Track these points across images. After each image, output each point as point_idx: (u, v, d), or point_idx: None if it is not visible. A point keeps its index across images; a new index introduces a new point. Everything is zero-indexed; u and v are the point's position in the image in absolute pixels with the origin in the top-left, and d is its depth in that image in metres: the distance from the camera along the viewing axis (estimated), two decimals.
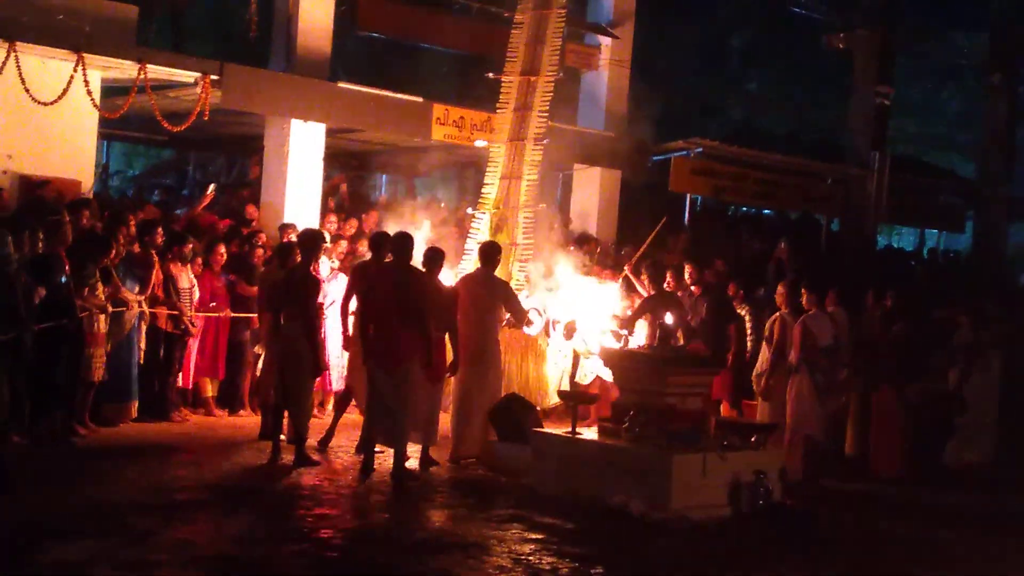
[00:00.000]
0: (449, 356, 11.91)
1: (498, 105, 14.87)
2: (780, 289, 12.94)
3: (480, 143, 16.97)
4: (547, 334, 14.05)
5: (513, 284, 13.48)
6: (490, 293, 12.23)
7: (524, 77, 14.58)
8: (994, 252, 27.21)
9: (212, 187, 16.01)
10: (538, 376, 13.90)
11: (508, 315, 12.58)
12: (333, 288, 13.86)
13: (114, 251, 12.02)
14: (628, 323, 12.71)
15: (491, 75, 15.17)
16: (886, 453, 13.16)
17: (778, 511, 10.46)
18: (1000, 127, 27.26)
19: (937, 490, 12.63)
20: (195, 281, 13.27)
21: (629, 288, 14.70)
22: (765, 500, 10.37)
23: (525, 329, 13.22)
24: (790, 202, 23.78)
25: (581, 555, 8.61)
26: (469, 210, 15.39)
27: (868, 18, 23.79)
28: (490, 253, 12.50)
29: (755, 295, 15.63)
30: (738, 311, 14.65)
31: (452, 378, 12.25)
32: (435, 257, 11.85)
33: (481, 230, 14.40)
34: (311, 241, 11.78)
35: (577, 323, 14.13)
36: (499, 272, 12.90)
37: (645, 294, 13.43)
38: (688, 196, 21.48)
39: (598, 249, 18.38)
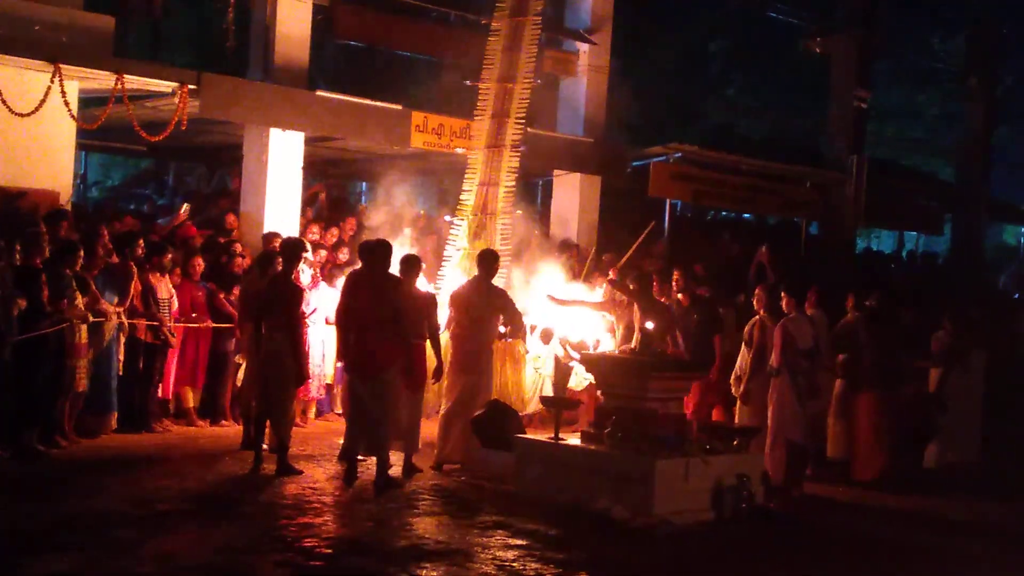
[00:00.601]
0: (431, 363, 11.90)
1: (476, 112, 14.89)
2: (758, 292, 12.96)
3: (460, 150, 16.97)
4: (523, 339, 14.04)
5: None
6: (488, 301, 12.21)
7: (501, 84, 14.59)
8: (973, 254, 27.35)
9: (185, 207, 15.88)
10: (516, 382, 13.89)
11: (507, 324, 12.57)
12: (313, 297, 13.86)
13: (82, 253, 11.90)
14: (615, 281, 12.92)
15: (469, 82, 15.18)
16: (868, 456, 13.19)
17: (761, 515, 10.50)
18: (978, 130, 27.43)
19: (919, 493, 12.67)
20: (174, 291, 13.23)
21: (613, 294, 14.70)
22: (748, 504, 10.40)
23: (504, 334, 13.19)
24: (769, 206, 23.83)
25: (565, 561, 8.62)
26: (447, 217, 15.38)
27: (846, 22, 23.89)
28: (488, 261, 12.45)
29: (735, 300, 15.61)
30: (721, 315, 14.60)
31: (436, 384, 12.25)
32: (412, 263, 11.83)
33: (460, 236, 14.40)
34: (292, 250, 11.76)
35: (555, 329, 14.14)
36: None
37: (626, 300, 13.43)
38: (668, 201, 21.50)
39: (590, 255, 18.35)
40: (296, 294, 11.47)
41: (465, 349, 12.07)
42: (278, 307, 11.19)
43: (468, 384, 12.02)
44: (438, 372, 11.87)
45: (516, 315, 12.53)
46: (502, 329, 12.73)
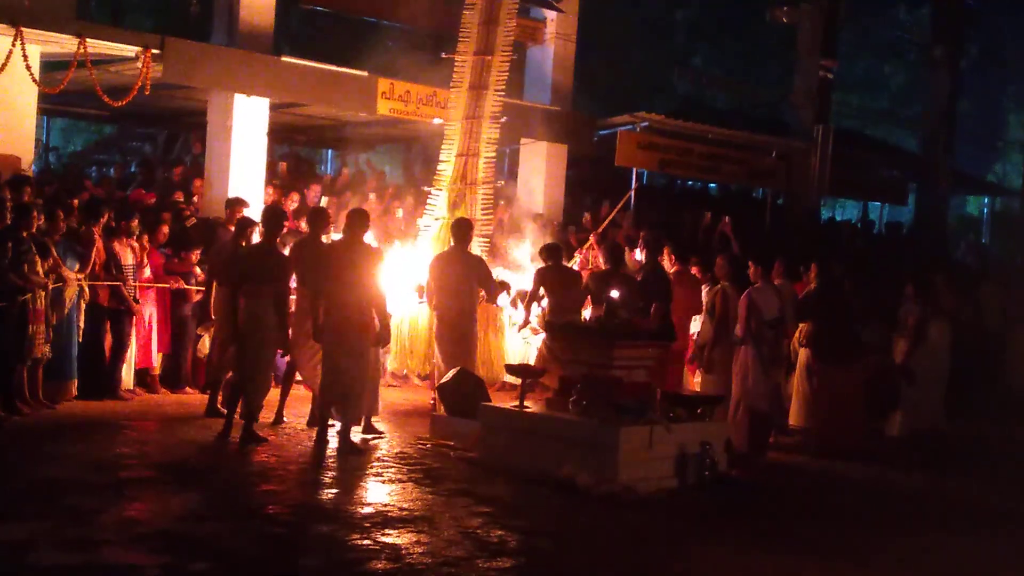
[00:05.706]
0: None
1: (452, 83, 14.76)
2: (720, 262, 12.97)
3: (437, 121, 16.89)
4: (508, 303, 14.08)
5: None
6: (466, 270, 12.23)
7: (478, 56, 14.48)
8: (936, 225, 27.52)
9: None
10: (499, 349, 13.89)
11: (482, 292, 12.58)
12: None
13: (41, 217, 11.78)
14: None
15: (444, 55, 15.06)
16: (832, 425, 13.23)
17: (724, 483, 10.54)
18: (942, 101, 27.54)
19: (883, 462, 12.75)
20: (142, 257, 13.11)
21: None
22: (711, 472, 10.44)
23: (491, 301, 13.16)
24: (735, 176, 23.87)
25: (528, 528, 8.64)
26: (426, 188, 15.24)
27: None
28: (463, 230, 12.50)
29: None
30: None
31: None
32: (357, 218, 11.29)
33: (438, 207, 14.33)
34: (274, 218, 11.64)
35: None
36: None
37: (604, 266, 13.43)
38: (634, 171, 21.51)
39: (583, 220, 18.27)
40: (284, 263, 11.38)
41: (448, 319, 12.06)
42: (263, 275, 11.05)
43: (457, 354, 12.03)
44: (383, 339, 11.53)
45: (492, 282, 12.59)
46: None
